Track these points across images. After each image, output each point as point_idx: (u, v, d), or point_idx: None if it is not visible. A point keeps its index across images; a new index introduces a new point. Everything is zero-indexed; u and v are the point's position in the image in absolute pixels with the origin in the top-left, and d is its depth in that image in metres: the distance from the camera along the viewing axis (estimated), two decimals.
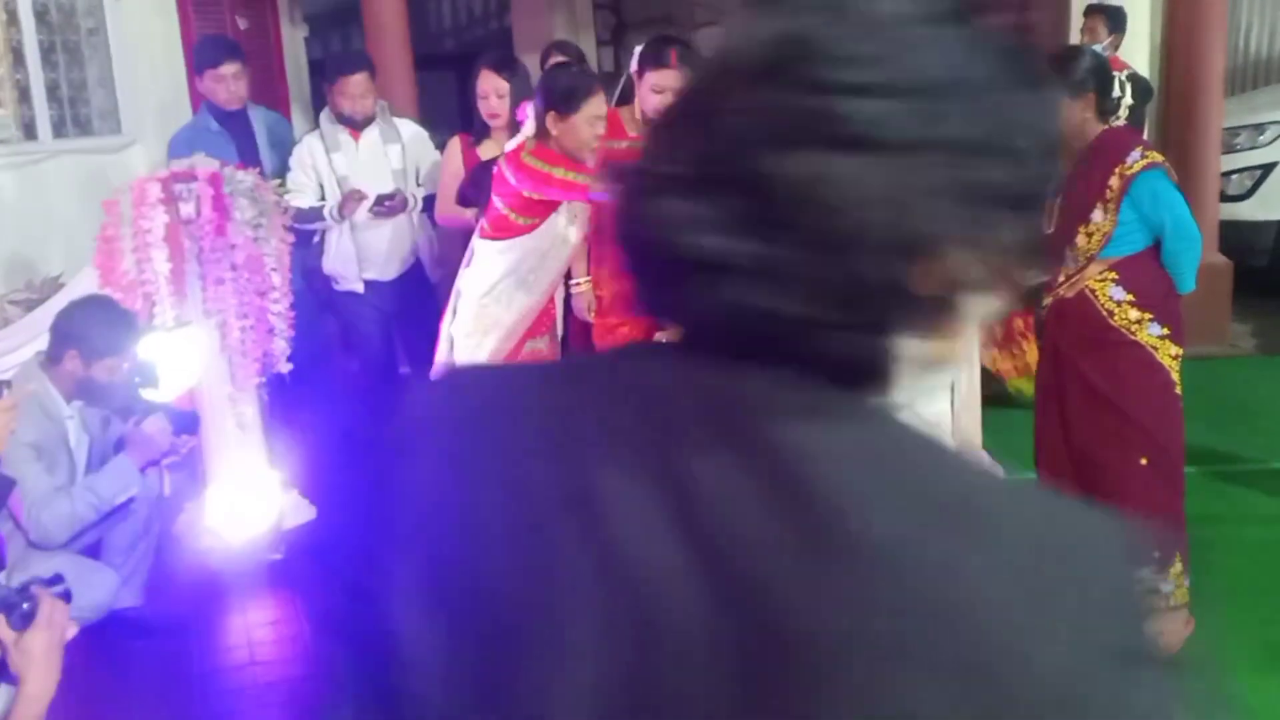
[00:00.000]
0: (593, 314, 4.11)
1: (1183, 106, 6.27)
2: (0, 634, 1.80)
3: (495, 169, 3.60)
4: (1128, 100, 3.38)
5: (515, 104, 4.18)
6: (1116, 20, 5.65)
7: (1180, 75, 6.27)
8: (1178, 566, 3.38)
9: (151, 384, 3.66)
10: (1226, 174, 6.84)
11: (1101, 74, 3.36)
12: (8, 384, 2.83)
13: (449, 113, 10.37)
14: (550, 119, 3.47)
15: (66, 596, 1.92)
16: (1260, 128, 7.08)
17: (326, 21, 10.59)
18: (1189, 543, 3.45)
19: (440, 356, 3.85)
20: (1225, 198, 6.80)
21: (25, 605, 1.82)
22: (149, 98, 6.91)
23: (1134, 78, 3.74)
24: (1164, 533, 3.38)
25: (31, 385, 3.25)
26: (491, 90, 4.25)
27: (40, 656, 1.80)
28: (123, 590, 3.68)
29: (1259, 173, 7.01)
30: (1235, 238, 6.78)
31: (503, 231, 3.59)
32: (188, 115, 6.84)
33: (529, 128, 3.57)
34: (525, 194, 3.50)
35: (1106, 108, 3.37)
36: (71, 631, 1.86)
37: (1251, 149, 7.03)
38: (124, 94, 6.77)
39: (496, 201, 3.58)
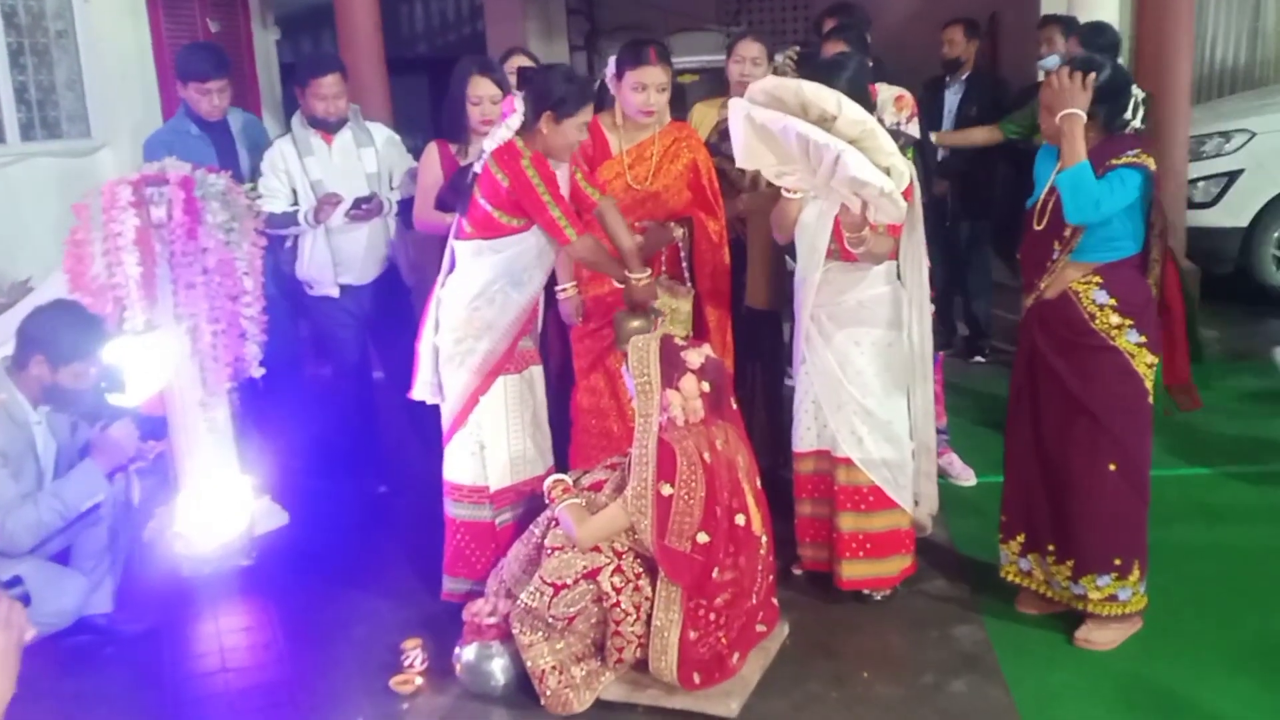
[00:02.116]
0: (579, 318, 4.09)
1: (1151, 114, 6.33)
2: None
3: (482, 167, 3.54)
4: (1136, 124, 3.32)
5: None
6: (1072, 30, 5.67)
7: (1148, 83, 6.32)
8: (1135, 575, 3.42)
9: (118, 389, 3.62)
10: (1193, 181, 6.92)
11: (1115, 94, 3.30)
12: None
13: (421, 117, 10.34)
14: (546, 118, 3.48)
15: (25, 599, 1.90)
16: (1226, 135, 7.13)
17: (298, 25, 10.55)
18: (1149, 548, 3.48)
19: (423, 371, 3.75)
20: (1192, 204, 6.88)
21: None
22: (118, 101, 6.86)
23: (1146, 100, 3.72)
24: (1126, 541, 3.42)
25: (2, 395, 3.22)
26: (485, 96, 4.21)
27: None
28: (92, 596, 3.65)
29: (1225, 180, 7.06)
30: (1201, 244, 6.86)
31: (490, 231, 3.55)
32: (158, 118, 6.82)
33: (514, 122, 3.53)
34: (513, 198, 3.49)
35: (1114, 126, 3.33)
36: (30, 634, 1.82)
37: (1218, 156, 7.09)
38: (93, 97, 6.72)
39: (482, 201, 3.53)
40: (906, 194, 3.36)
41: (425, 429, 4.08)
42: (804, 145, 3.15)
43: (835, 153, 3.10)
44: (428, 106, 10.74)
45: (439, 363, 3.69)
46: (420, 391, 3.77)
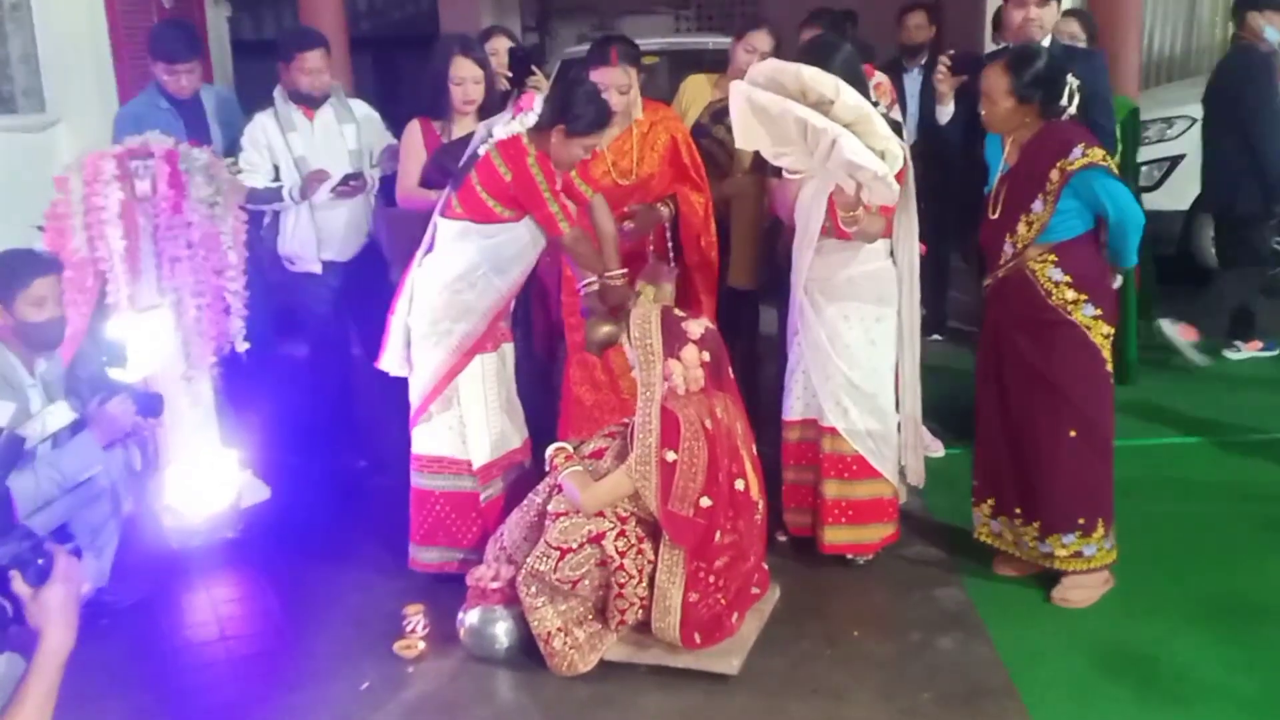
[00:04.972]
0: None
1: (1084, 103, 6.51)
2: (16, 590, 1.84)
3: (483, 155, 3.56)
4: (1071, 111, 3.54)
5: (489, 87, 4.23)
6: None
7: None
8: (1100, 531, 3.59)
9: (119, 364, 3.61)
10: (1137, 165, 7.13)
11: (1051, 81, 3.49)
12: None
13: (366, 97, 10.27)
14: (558, 130, 3.50)
15: (78, 553, 1.96)
16: (1169, 121, 7.37)
17: (250, 2, 10.42)
18: (1118, 515, 3.66)
19: (393, 344, 3.75)
20: (1136, 188, 7.10)
21: (40, 561, 1.86)
22: (73, 76, 6.76)
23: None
24: (1089, 501, 3.59)
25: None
26: (468, 77, 4.22)
27: (58, 611, 1.85)
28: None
29: (1167, 164, 7.29)
30: (1145, 227, 7.05)
31: (480, 216, 3.58)
32: (113, 93, 6.74)
33: (529, 119, 3.56)
34: (513, 192, 3.54)
35: (1051, 112, 3.52)
36: (86, 587, 1.89)
37: (1160, 141, 7.32)
38: (48, 72, 6.62)
39: (478, 187, 3.56)
40: (899, 176, 3.48)
41: (403, 404, 4.11)
42: (802, 128, 3.26)
43: (832, 137, 3.22)
44: (371, 85, 10.65)
45: (410, 340, 3.71)
46: (388, 363, 3.79)
